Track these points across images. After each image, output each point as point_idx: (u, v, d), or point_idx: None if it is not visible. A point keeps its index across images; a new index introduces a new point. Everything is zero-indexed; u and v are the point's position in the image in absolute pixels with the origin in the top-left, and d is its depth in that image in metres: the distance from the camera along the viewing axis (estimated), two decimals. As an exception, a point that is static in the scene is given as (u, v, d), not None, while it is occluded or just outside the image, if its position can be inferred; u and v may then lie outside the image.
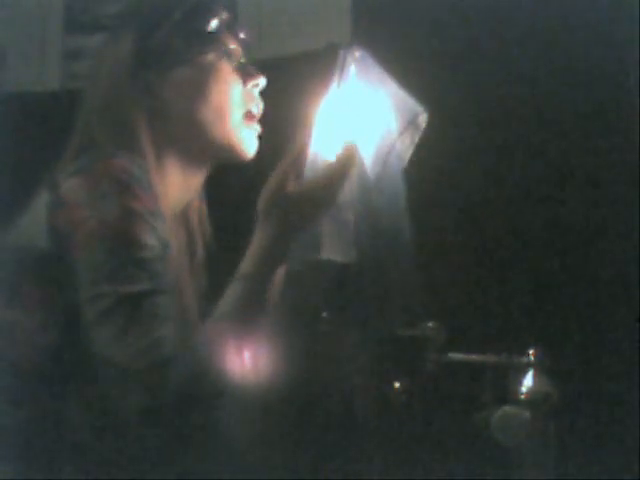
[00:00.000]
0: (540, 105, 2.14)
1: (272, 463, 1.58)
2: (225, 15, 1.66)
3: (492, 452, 1.64)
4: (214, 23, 1.64)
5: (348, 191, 1.56)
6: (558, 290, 2.09)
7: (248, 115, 1.65)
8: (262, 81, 1.67)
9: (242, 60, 1.67)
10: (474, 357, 1.67)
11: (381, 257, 1.60)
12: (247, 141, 1.65)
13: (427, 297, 1.80)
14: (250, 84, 1.66)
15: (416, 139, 1.58)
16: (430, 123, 1.57)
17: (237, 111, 1.63)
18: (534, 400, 1.63)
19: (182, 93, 1.61)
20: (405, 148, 1.58)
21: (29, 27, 2.50)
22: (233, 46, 1.66)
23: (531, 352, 1.66)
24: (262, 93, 1.68)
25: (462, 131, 2.11)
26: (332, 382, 1.68)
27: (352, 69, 1.57)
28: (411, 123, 1.56)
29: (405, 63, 1.59)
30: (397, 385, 1.69)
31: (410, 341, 1.67)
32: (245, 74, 1.66)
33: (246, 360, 1.51)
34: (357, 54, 1.57)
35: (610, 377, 2.01)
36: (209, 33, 1.63)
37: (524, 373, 1.64)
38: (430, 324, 1.68)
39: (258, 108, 1.67)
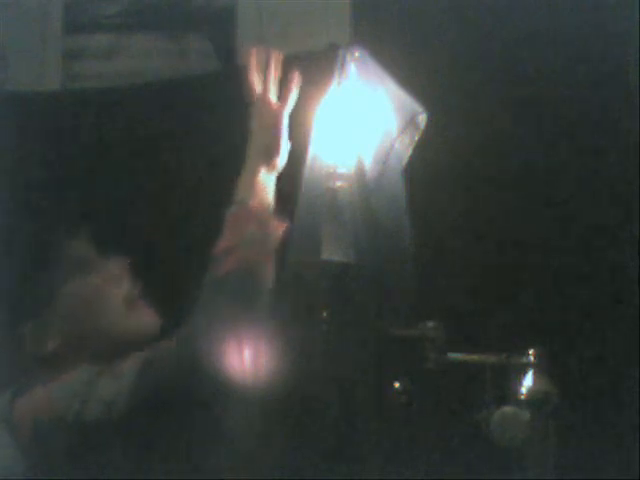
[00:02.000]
0: (540, 105, 2.14)
1: (272, 463, 1.58)
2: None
3: (492, 452, 1.64)
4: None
5: (348, 191, 1.56)
6: (558, 290, 2.09)
7: (127, 300, 1.64)
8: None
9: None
10: (474, 357, 1.66)
11: (381, 257, 1.59)
12: (135, 324, 1.63)
13: (427, 297, 1.79)
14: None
15: (415, 139, 1.58)
16: (430, 123, 1.57)
17: (117, 309, 1.63)
18: (534, 400, 1.62)
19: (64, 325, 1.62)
20: (404, 148, 1.59)
21: (29, 27, 2.50)
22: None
23: (531, 352, 1.66)
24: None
25: (462, 131, 2.11)
26: (332, 382, 1.68)
27: (352, 69, 1.57)
28: (410, 123, 1.57)
29: (405, 63, 1.60)
30: (397, 385, 1.69)
31: (410, 341, 1.67)
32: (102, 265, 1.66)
33: (246, 359, 1.51)
34: (357, 54, 1.57)
35: (610, 377, 2.01)
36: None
37: (524, 373, 1.64)
38: (430, 324, 1.67)
39: (136, 286, 1.66)
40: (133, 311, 1.64)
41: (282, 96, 1.66)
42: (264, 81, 1.66)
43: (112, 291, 1.64)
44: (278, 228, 1.59)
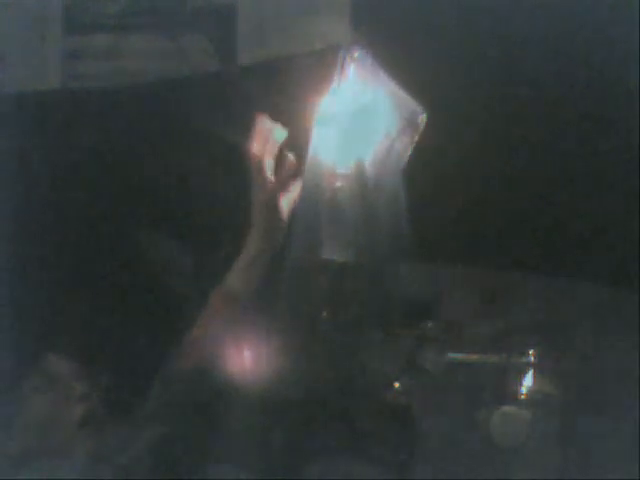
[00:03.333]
0: (540, 105, 2.14)
1: (271, 463, 1.58)
2: None
3: (492, 452, 1.64)
4: None
5: (348, 191, 1.56)
6: (558, 290, 2.09)
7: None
8: None
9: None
10: (474, 357, 1.66)
11: (380, 257, 1.60)
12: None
13: (427, 297, 1.80)
14: None
15: (415, 139, 1.58)
16: (429, 123, 1.57)
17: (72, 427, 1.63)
18: (534, 400, 1.63)
19: None
20: (404, 148, 1.59)
21: (29, 27, 2.50)
22: None
23: (531, 352, 1.66)
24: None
25: (461, 131, 2.11)
26: (332, 382, 1.68)
27: (352, 69, 1.57)
28: (410, 123, 1.57)
29: (405, 63, 1.60)
30: (397, 385, 1.69)
31: (410, 341, 1.67)
32: None
33: (246, 359, 1.51)
34: (357, 54, 1.57)
35: (610, 377, 2.01)
36: None
37: (524, 373, 1.64)
38: (430, 324, 1.68)
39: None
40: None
41: (282, 177, 1.61)
42: (264, 159, 1.60)
43: (69, 411, 1.62)
44: (250, 321, 1.56)
